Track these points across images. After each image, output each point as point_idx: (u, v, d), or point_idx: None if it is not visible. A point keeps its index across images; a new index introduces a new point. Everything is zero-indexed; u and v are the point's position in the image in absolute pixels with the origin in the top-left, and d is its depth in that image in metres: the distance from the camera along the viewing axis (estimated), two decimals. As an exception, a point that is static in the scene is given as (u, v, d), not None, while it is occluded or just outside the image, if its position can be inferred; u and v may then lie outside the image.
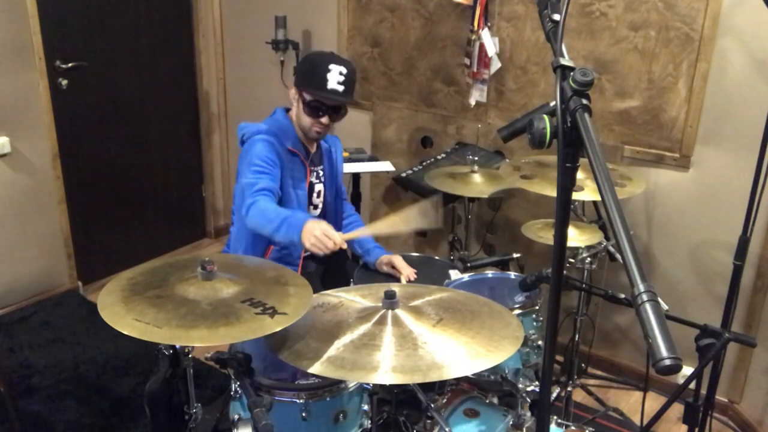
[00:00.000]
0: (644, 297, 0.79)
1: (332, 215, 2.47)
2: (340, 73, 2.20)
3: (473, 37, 2.90)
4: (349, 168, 3.09)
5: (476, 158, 2.75)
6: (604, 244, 2.38)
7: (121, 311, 1.47)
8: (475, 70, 2.96)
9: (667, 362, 0.75)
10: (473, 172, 2.70)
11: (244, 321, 1.44)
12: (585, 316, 2.63)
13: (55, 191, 3.37)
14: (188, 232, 4.20)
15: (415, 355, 1.43)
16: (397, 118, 3.38)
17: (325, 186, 2.43)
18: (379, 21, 3.30)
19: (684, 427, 2.22)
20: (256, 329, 1.42)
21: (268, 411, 1.44)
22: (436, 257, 2.59)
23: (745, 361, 2.66)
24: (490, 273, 2.34)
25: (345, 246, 1.95)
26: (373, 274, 2.37)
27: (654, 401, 2.75)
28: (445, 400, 2.04)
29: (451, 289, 1.91)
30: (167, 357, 1.81)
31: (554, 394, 2.49)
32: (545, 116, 0.99)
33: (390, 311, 1.58)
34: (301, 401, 1.66)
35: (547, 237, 2.25)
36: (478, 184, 2.66)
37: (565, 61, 1.00)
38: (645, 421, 2.17)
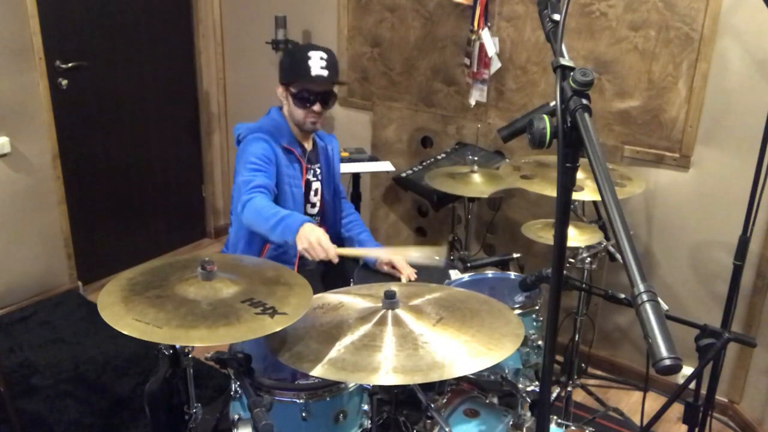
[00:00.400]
0: (644, 297, 0.79)
1: (331, 214, 2.47)
2: (321, 58, 2.21)
3: (473, 37, 2.90)
4: (349, 168, 3.09)
5: (476, 158, 2.75)
6: (604, 244, 2.38)
7: (121, 311, 1.47)
8: (475, 70, 2.96)
9: (667, 362, 0.75)
10: (473, 172, 2.70)
11: (244, 321, 1.44)
12: (585, 316, 2.63)
13: (55, 191, 3.37)
14: (188, 232, 4.20)
15: (416, 355, 1.43)
16: (397, 118, 3.38)
17: (322, 184, 2.43)
18: (379, 21, 3.30)
19: (684, 427, 2.22)
20: (256, 329, 1.42)
21: (268, 411, 1.44)
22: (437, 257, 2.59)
23: (745, 361, 2.66)
24: (490, 273, 2.34)
25: (336, 260, 1.94)
26: (373, 274, 2.36)
27: (654, 401, 2.75)
28: (445, 400, 2.04)
29: (451, 288, 1.91)
30: (167, 357, 1.80)
31: (554, 394, 2.49)
32: (545, 116, 0.99)
33: (390, 311, 1.58)
34: (301, 401, 1.66)
35: (547, 237, 2.25)
36: (478, 184, 2.66)
37: (565, 61, 1.00)
38: (645, 421, 2.17)
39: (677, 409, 2.32)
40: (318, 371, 1.42)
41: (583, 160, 0.96)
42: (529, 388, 1.99)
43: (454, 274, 2.31)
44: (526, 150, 2.89)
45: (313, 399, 1.67)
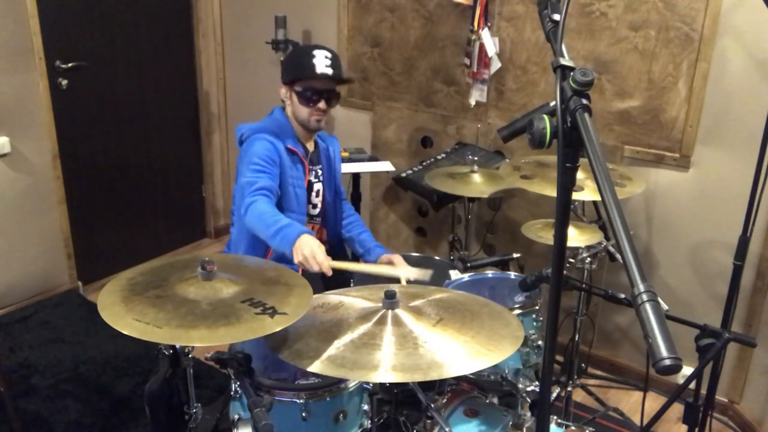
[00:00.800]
0: (644, 297, 0.79)
1: (332, 215, 2.47)
2: (326, 57, 2.22)
3: (473, 37, 2.90)
4: (349, 168, 3.09)
5: (476, 158, 2.75)
6: (604, 244, 2.38)
7: (121, 311, 1.47)
8: (475, 70, 2.96)
9: (667, 362, 0.75)
10: (473, 172, 2.70)
11: (244, 321, 1.44)
12: (585, 316, 2.63)
13: (55, 191, 3.37)
14: (188, 232, 4.20)
15: (416, 354, 1.43)
16: (397, 118, 3.38)
17: (323, 185, 2.43)
18: (379, 21, 3.30)
19: (684, 427, 2.22)
20: (256, 329, 1.42)
21: (268, 411, 1.44)
22: (436, 257, 2.59)
23: (745, 361, 2.66)
24: (490, 273, 2.34)
25: (330, 273, 1.93)
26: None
27: (654, 401, 2.75)
28: (445, 400, 2.04)
29: (451, 290, 1.91)
30: (167, 357, 1.81)
31: (554, 394, 2.49)
32: (545, 116, 0.99)
33: (390, 311, 1.58)
34: (301, 401, 1.66)
35: (547, 237, 2.25)
36: (478, 184, 2.66)
37: (565, 61, 1.00)
38: (645, 421, 2.17)
39: (677, 409, 2.32)
40: (317, 367, 1.42)
41: (583, 160, 0.96)
42: (529, 388, 1.99)
43: (454, 274, 2.31)
44: (526, 150, 2.89)
45: (313, 399, 1.67)
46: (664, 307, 1.12)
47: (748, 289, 2.58)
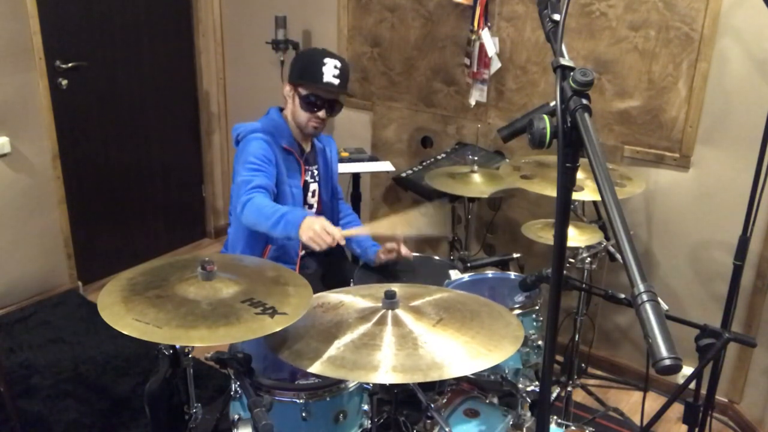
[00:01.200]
0: (644, 297, 0.79)
1: (328, 215, 2.47)
2: (335, 67, 2.22)
3: (473, 37, 2.90)
4: (349, 168, 3.09)
5: (476, 158, 2.75)
6: (604, 244, 2.38)
7: (121, 311, 1.47)
8: (475, 70, 2.96)
9: (667, 362, 0.75)
10: (473, 172, 2.70)
11: (244, 321, 1.44)
12: (585, 316, 2.63)
13: (55, 191, 3.37)
14: (188, 232, 4.20)
15: (416, 354, 1.43)
16: (397, 118, 3.38)
17: (320, 185, 2.43)
18: (379, 21, 3.30)
19: (684, 427, 2.22)
20: (256, 329, 1.42)
21: (268, 411, 1.44)
22: (436, 257, 2.59)
23: (745, 361, 2.66)
24: (490, 273, 2.34)
25: (343, 242, 1.95)
26: (372, 274, 2.36)
27: (654, 401, 2.75)
28: (445, 400, 2.04)
29: (451, 290, 1.91)
30: (167, 357, 1.81)
31: (554, 394, 2.49)
32: (545, 116, 0.99)
33: (390, 311, 1.58)
34: (301, 401, 1.66)
35: (547, 237, 2.25)
36: (478, 184, 2.66)
37: (565, 61, 1.00)
38: (645, 421, 2.17)
39: (677, 409, 2.32)
40: (317, 368, 1.42)
41: (583, 160, 0.96)
42: (529, 388, 1.99)
43: (454, 274, 2.31)
44: (526, 150, 2.89)
45: (313, 399, 1.67)
46: (664, 307, 1.12)
47: (748, 289, 2.58)
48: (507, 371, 2.00)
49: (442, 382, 2.09)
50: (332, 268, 2.47)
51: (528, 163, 2.51)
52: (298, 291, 1.61)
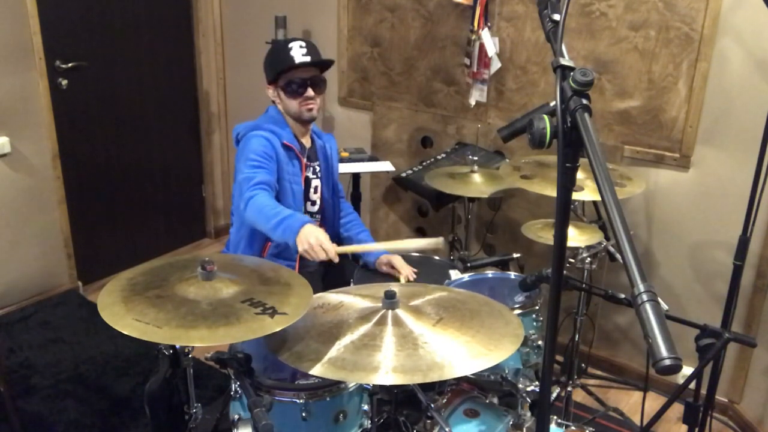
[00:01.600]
0: (644, 297, 0.79)
1: (330, 212, 2.47)
2: (301, 46, 2.25)
3: (473, 37, 2.90)
4: (349, 168, 3.08)
5: (476, 158, 2.75)
6: (604, 244, 2.38)
7: (121, 311, 1.47)
8: (475, 70, 2.96)
9: (667, 362, 0.75)
10: (473, 172, 2.70)
11: (244, 321, 1.44)
12: (585, 316, 2.63)
13: (55, 191, 3.37)
14: (188, 232, 4.20)
15: (416, 355, 1.43)
16: (397, 118, 3.38)
17: (322, 182, 2.43)
18: (379, 21, 3.30)
19: (684, 427, 2.22)
20: (256, 329, 1.42)
21: (268, 411, 1.44)
22: (436, 257, 2.59)
23: (745, 361, 2.66)
24: (490, 273, 2.34)
25: (337, 260, 1.95)
26: (372, 274, 2.36)
27: (654, 401, 2.75)
28: (445, 400, 2.04)
29: (451, 288, 1.91)
30: (167, 357, 1.81)
31: (554, 394, 2.49)
32: (545, 116, 0.99)
33: (390, 311, 1.58)
34: (301, 401, 1.66)
35: (547, 237, 2.25)
36: (478, 184, 2.66)
37: (565, 61, 1.00)
38: (645, 421, 2.17)
39: (677, 409, 2.32)
40: (317, 370, 1.42)
41: (583, 160, 0.96)
42: (529, 388, 1.98)
43: (454, 274, 2.31)
44: (526, 150, 2.89)
45: (313, 399, 1.67)
46: (664, 307, 1.12)
47: (748, 289, 2.58)
48: (507, 371, 2.00)
49: (442, 382, 2.08)
50: (332, 267, 2.46)
51: (528, 163, 2.51)
52: (298, 291, 1.61)
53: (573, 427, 2.21)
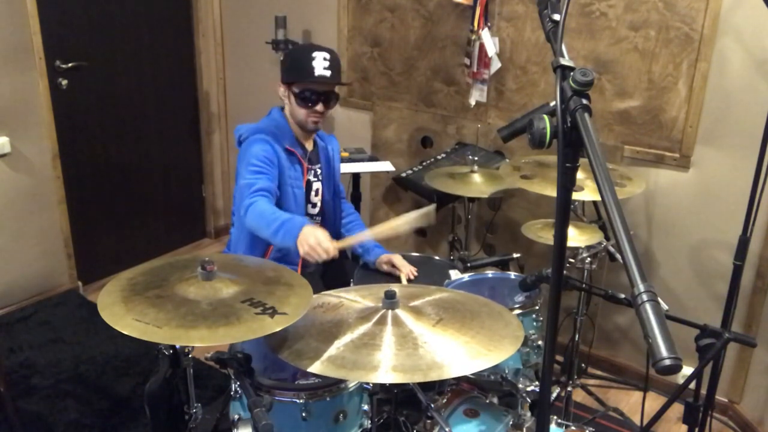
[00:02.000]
0: (644, 297, 0.79)
1: (331, 214, 2.47)
2: (325, 59, 2.22)
3: (473, 37, 2.90)
4: (349, 168, 3.09)
5: (476, 158, 2.75)
6: (604, 244, 2.38)
7: (121, 311, 1.47)
8: (475, 70, 2.96)
9: (667, 362, 0.75)
10: (473, 172, 2.70)
11: (244, 321, 1.44)
12: (585, 316, 2.63)
13: (55, 191, 3.37)
14: (188, 232, 4.20)
15: (416, 354, 1.43)
16: (397, 118, 3.38)
17: (323, 184, 2.43)
18: (379, 21, 3.30)
19: (684, 427, 2.21)
20: (256, 329, 1.42)
21: (268, 411, 1.44)
22: (436, 257, 2.59)
23: (745, 361, 2.66)
24: (490, 273, 2.34)
25: (337, 255, 1.95)
26: (373, 274, 2.37)
27: (654, 401, 2.75)
28: (445, 400, 2.04)
29: (451, 290, 1.91)
30: (167, 357, 1.81)
31: (554, 394, 2.49)
32: (545, 116, 0.99)
33: (390, 311, 1.58)
34: (301, 401, 1.66)
35: (547, 237, 2.25)
36: (478, 184, 2.66)
37: (565, 61, 1.00)
38: (645, 421, 2.17)
39: (677, 409, 2.32)
40: (317, 368, 1.42)
41: (583, 160, 0.96)
42: (529, 388, 1.99)
43: (454, 274, 2.31)
44: (526, 150, 2.89)
45: (313, 399, 1.67)
46: (664, 307, 1.12)
47: (748, 289, 2.58)
48: (507, 371, 2.00)
49: (442, 382, 2.08)
50: (332, 267, 2.47)
51: (528, 163, 2.51)
52: (298, 291, 1.61)
53: (573, 427, 2.21)
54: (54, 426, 2.53)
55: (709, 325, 1.71)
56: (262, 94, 3.86)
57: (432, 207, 1.95)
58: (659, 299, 0.81)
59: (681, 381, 2.55)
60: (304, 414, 1.66)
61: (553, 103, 1.02)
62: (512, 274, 2.32)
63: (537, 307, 2.07)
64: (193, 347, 1.79)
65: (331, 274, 2.44)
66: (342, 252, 2.51)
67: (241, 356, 1.63)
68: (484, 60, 2.93)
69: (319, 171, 2.42)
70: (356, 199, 3.25)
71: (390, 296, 1.59)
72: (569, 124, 0.96)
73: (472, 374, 1.61)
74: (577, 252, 2.35)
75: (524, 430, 1.91)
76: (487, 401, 2.05)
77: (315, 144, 2.43)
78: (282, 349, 1.50)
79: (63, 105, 3.32)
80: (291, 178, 2.27)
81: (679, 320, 1.77)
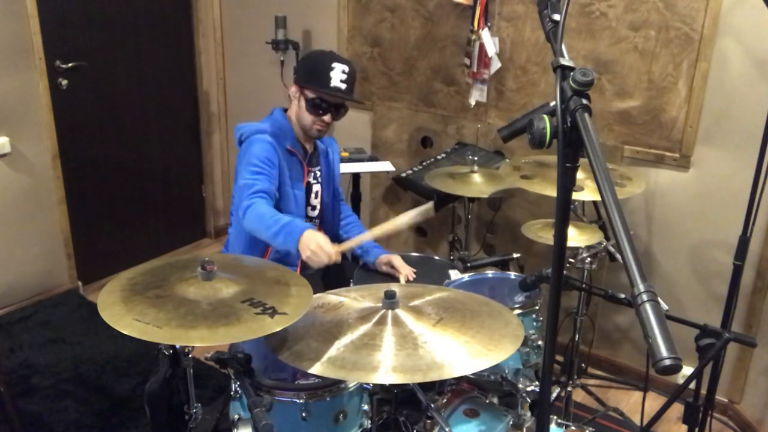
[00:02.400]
0: (644, 297, 0.79)
1: (330, 216, 2.47)
2: (343, 72, 2.22)
3: (473, 37, 2.90)
4: (349, 168, 3.09)
5: (476, 158, 2.75)
6: (604, 244, 2.38)
7: (121, 311, 1.47)
8: (475, 70, 2.96)
9: (667, 362, 0.75)
10: (473, 172, 2.70)
11: (244, 321, 1.44)
12: (585, 316, 2.63)
13: (55, 191, 3.37)
14: (188, 232, 4.20)
15: (416, 354, 1.43)
16: (397, 118, 3.38)
17: (322, 187, 2.43)
18: (379, 21, 3.30)
19: (684, 427, 2.22)
20: (256, 329, 1.42)
21: (268, 411, 1.44)
22: (436, 257, 2.59)
23: (745, 361, 2.66)
24: (490, 273, 2.34)
25: (339, 259, 1.96)
26: (372, 274, 2.37)
27: (654, 401, 2.75)
28: (445, 400, 2.04)
29: (451, 289, 1.91)
30: (167, 357, 1.81)
31: (554, 394, 2.49)
32: (545, 116, 0.99)
33: (390, 311, 1.58)
34: (301, 401, 1.66)
35: (547, 237, 2.25)
36: (478, 184, 2.66)
37: (565, 61, 1.00)
38: (645, 421, 2.17)
39: (677, 409, 2.32)
40: (317, 369, 1.42)
41: (583, 160, 0.96)
42: (529, 388, 1.98)
43: (454, 274, 2.31)
44: (526, 150, 2.89)
45: (313, 399, 1.67)
46: (664, 307, 1.12)
47: (748, 289, 2.58)
48: (507, 371, 2.00)
49: (442, 382, 2.08)
50: (332, 267, 2.46)
51: (528, 163, 2.51)
52: (298, 291, 1.61)
53: (573, 427, 2.21)
54: (54, 426, 2.53)
55: (709, 325, 1.71)
56: (262, 94, 3.86)
57: (430, 204, 1.95)
58: (659, 299, 0.81)
59: (681, 381, 2.55)
60: (304, 414, 1.66)
61: (553, 103, 1.02)
62: (512, 274, 2.32)
63: (537, 307, 2.07)
64: (193, 347, 1.79)
65: (331, 274, 2.44)
66: (342, 253, 2.52)
67: (241, 356, 1.63)
68: (484, 60, 2.93)
69: (319, 173, 2.42)
70: (356, 199, 3.25)
71: (390, 296, 1.59)
72: (569, 124, 0.96)
73: (472, 374, 1.60)
74: (577, 252, 2.35)
75: (524, 430, 1.91)
76: (487, 401, 2.05)
77: (315, 146, 2.43)
78: (282, 350, 1.50)
79: (63, 105, 3.32)
80: (291, 179, 2.27)
81: (679, 320, 1.77)
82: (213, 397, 2.69)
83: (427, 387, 2.01)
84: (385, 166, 3.18)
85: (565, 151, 0.98)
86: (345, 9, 3.39)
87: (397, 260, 2.33)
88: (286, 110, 2.35)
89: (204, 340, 1.38)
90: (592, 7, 2.68)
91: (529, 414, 1.93)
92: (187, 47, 3.90)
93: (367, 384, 1.75)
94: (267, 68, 3.77)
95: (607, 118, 2.77)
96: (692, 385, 1.93)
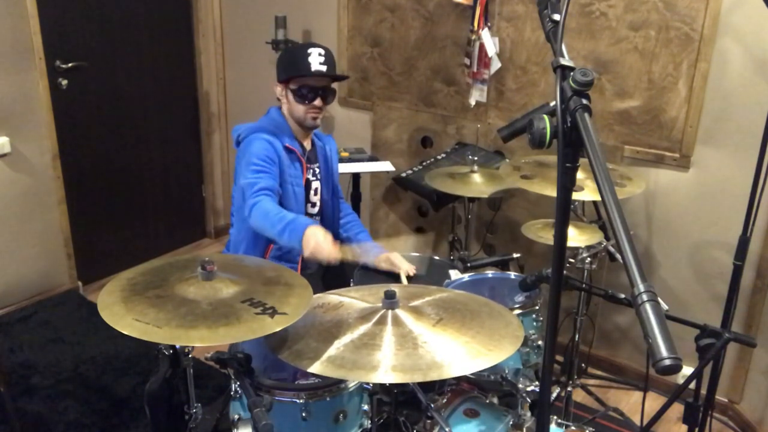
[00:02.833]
0: (644, 297, 0.79)
1: (329, 213, 2.47)
2: (320, 54, 2.24)
3: (473, 37, 2.90)
4: (349, 168, 3.08)
5: (476, 158, 2.75)
6: (604, 244, 2.38)
7: (121, 311, 1.47)
8: (475, 70, 2.96)
9: (667, 362, 0.75)
10: (473, 172, 2.70)
11: (244, 321, 1.44)
12: (585, 316, 2.63)
13: (55, 191, 3.37)
14: (188, 232, 4.20)
15: (415, 354, 1.43)
16: (397, 118, 3.38)
17: (321, 184, 2.43)
18: (379, 21, 3.30)
19: (684, 427, 2.22)
20: (256, 329, 1.42)
21: (268, 411, 1.44)
22: (436, 257, 2.59)
23: (745, 361, 2.66)
24: (490, 273, 2.34)
25: (338, 260, 1.98)
26: (372, 274, 2.36)
27: (654, 401, 2.75)
28: (445, 400, 2.04)
29: (451, 290, 1.91)
30: (167, 357, 1.81)
31: (554, 394, 2.49)
32: (545, 116, 0.99)
33: (390, 311, 1.58)
34: (301, 401, 1.66)
35: (547, 237, 2.25)
36: (478, 184, 2.66)
37: (565, 61, 1.00)
38: (645, 421, 2.17)
39: (677, 409, 2.32)
40: (317, 368, 1.42)
41: (583, 160, 0.96)
42: (529, 388, 1.99)
43: (454, 274, 2.31)
44: (526, 150, 2.89)
45: (313, 399, 1.67)
46: (664, 307, 1.12)
47: (748, 289, 2.58)
48: (507, 371, 2.00)
49: (442, 382, 2.08)
50: (332, 267, 2.46)
51: (528, 163, 2.51)
52: (298, 291, 1.61)
53: (573, 427, 2.21)
54: (54, 426, 2.53)
55: (709, 325, 1.71)
56: (262, 94, 3.86)
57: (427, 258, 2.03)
58: (659, 299, 0.81)
59: (681, 381, 2.55)
60: (304, 414, 1.66)
61: (553, 103, 1.02)
62: (512, 274, 2.32)
63: (537, 307, 2.07)
64: (193, 347, 1.79)
65: (331, 274, 2.44)
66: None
67: (241, 356, 1.63)
68: (484, 60, 2.93)
69: (317, 170, 2.42)
70: (356, 199, 3.25)
71: (390, 296, 1.59)
72: (569, 124, 0.96)
73: (472, 374, 1.60)
74: (577, 252, 2.35)
75: (524, 430, 1.91)
76: (487, 401, 2.05)
77: (313, 143, 2.43)
78: (282, 350, 1.50)
79: (63, 105, 3.32)
80: (291, 176, 2.27)
81: (679, 320, 1.77)
82: (213, 397, 2.69)
83: (427, 387, 2.01)
84: (385, 166, 3.18)
85: (565, 151, 0.98)
86: (345, 9, 3.39)
87: (395, 257, 2.33)
88: (281, 108, 2.35)
89: (204, 340, 1.38)
90: (592, 7, 2.68)
91: (529, 414, 1.93)
92: (187, 47, 3.90)
93: (367, 384, 1.75)
94: (267, 68, 3.77)
95: (607, 118, 2.77)
96: (692, 385, 1.93)
